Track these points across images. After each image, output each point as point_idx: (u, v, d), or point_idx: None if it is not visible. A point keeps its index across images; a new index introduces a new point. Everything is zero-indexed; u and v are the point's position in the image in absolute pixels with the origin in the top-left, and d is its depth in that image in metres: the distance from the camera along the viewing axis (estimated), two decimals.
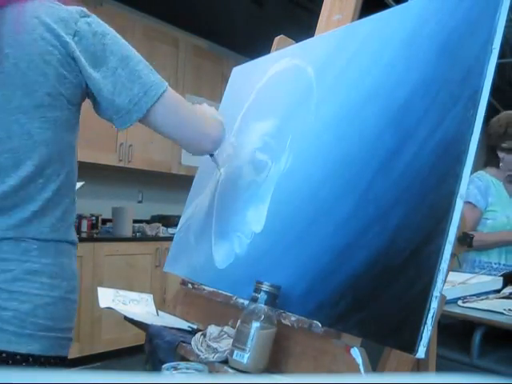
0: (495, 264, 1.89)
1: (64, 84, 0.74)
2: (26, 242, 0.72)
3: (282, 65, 1.18)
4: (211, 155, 1.10)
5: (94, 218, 3.54)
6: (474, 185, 1.96)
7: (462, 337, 1.18)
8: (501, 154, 1.92)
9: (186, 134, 0.87)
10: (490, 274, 1.76)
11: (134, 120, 0.78)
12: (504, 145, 1.89)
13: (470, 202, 1.94)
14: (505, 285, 1.43)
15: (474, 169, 2.09)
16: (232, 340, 0.83)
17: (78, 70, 0.75)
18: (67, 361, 0.79)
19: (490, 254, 1.91)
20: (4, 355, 0.70)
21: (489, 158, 2.03)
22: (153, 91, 0.78)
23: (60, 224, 0.77)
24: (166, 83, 0.84)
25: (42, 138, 0.73)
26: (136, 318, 1.08)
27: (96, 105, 0.80)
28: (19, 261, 0.71)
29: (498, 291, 1.40)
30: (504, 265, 1.88)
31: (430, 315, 0.63)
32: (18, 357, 0.70)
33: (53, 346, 0.74)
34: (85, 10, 0.79)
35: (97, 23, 0.78)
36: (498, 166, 1.94)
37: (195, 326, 1.06)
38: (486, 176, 1.97)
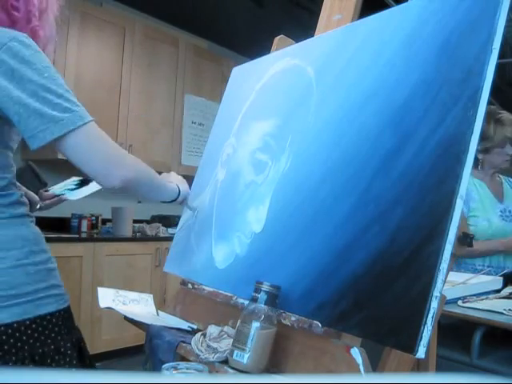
0: (479, 266, 1.88)
1: None
2: None
3: (282, 65, 1.18)
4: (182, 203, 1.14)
5: (93, 218, 3.54)
6: None
7: (461, 337, 1.18)
8: (480, 156, 1.92)
9: (92, 165, 0.85)
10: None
11: (35, 147, 0.80)
12: (479, 147, 1.89)
13: None
14: (505, 285, 1.43)
15: None
16: (232, 340, 0.83)
17: None
18: (59, 313, 0.87)
19: (484, 257, 1.90)
20: None
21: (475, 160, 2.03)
22: (68, 122, 0.81)
23: None
24: (87, 118, 0.84)
25: None
26: (136, 318, 1.08)
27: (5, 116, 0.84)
28: None
29: (498, 291, 1.40)
30: (488, 266, 1.88)
31: (430, 315, 0.63)
32: None
33: (25, 310, 0.81)
34: (19, 36, 0.81)
35: (24, 51, 0.80)
36: (480, 167, 1.94)
37: (195, 326, 1.06)
38: (469, 179, 1.96)
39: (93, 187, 1.21)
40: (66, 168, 1.27)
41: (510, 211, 1.92)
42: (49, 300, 0.85)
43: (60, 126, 0.80)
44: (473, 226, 1.86)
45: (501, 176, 2.02)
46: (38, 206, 1.10)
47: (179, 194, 1.08)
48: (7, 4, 0.86)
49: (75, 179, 1.29)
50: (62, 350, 0.85)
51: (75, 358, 0.87)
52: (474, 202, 1.88)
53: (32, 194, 1.08)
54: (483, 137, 1.86)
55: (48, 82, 0.80)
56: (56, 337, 0.85)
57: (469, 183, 1.96)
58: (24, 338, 0.80)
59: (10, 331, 0.79)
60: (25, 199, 0.91)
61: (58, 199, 1.18)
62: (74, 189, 1.22)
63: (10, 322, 0.79)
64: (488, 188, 1.94)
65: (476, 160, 1.93)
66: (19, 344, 0.80)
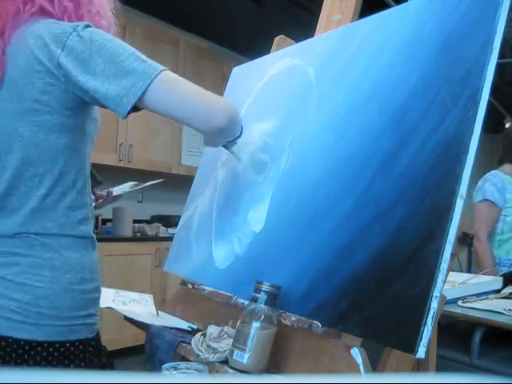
0: None
1: (51, 91, 0.81)
2: (30, 238, 0.81)
3: (282, 65, 1.18)
4: (226, 147, 1.03)
5: (93, 218, 3.53)
6: (490, 182, 1.97)
7: (462, 337, 1.18)
8: None
9: (190, 110, 0.84)
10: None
11: (130, 105, 0.80)
12: None
13: (488, 200, 1.94)
14: (505, 285, 1.43)
15: (483, 168, 2.11)
16: (232, 340, 0.83)
17: (65, 79, 0.81)
18: (87, 341, 0.86)
19: (509, 251, 1.92)
20: (10, 340, 0.79)
21: (504, 156, 2.04)
22: (141, 79, 0.80)
23: (64, 220, 0.84)
24: (161, 68, 0.83)
25: (32, 141, 0.82)
26: (136, 318, 1.08)
27: (98, 102, 0.85)
28: (25, 255, 0.80)
29: (498, 291, 1.40)
30: None
31: (430, 315, 0.63)
32: (22, 342, 0.78)
33: (60, 333, 0.81)
34: (82, 24, 0.83)
35: (88, 34, 0.82)
36: None
37: (195, 326, 1.06)
38: (501, 174, 1.98)
39: (147, 184, 1.24)
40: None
41: None
42: (83, 327, 0.86)
43: (137, 85, 0.79)
44: (510, 217, 1.88)
45: None
46: (93, 205, 1.10)
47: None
48: None
49: (130, 183, 1.31)
50: None
51: None
52: (510, 194, 1.91)
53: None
54: None
55: (114, 49, 0.82)
56: (80, 363, 0.84)
57: (502, 177, 2.00)
58: (50, 358, 0.81)
59: (39, 349, 0.80)
60: (92, 223, 0.91)
61: (111, 197, 1.19)
62: (127, 191, 1.26)
63: (41, 340, 0.80)
64: None
65: (509, 155, 1.96)
66: (43, 363, 0.80)
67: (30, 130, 0.81)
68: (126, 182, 1.32)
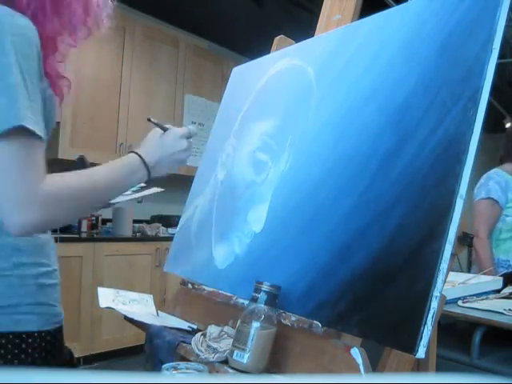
0: None
1: None
2: None
3: (282, 65, 1.18)
4: (149, 120, 0.93)
5: (93, 218, 3.54)
6: (494, 180, 1.96)
7: (462, 337, 1.18)
8: None
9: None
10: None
11: None
12: None
13: (491, 198, 1.94)
14: (505, 285, 1.43)
15: (482, 168, 2.11)
16: (232, 340, 0.83)
17: None
18: (38, 334, 0.78)
19: (507, 251, 1.91)
20: None
21: (505, 155, 2.04)
22: None
23: None
24: (14, 123, 0.65)
25: None
26: (136, 318, 1.08)
27: None
28: None
29: (498, 291, 1.40)
30: None
31: (430, 315, 0.63)
32: None
33: (0, 323, 0.75)
34: (8, 16, 0.69)
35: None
36: None
37: (195, 326, 1.06)
38: (503, 173, 1.98)
39: (152, 190, 1.16)
40: None
41: None
42: (31, 318, 0.78)
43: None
44: (510, 217, 1.88)
45: None
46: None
47: (149, 173, 0.87)
48: None
49: (133, 188, 1.17)
50: None
51: None
52: None
53: None
54: None
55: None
56: (26, 358, 0.76)
57: (504, 176, 1.99)
58: None
59: None
60: None
61: (111, 205, 1.09)
62: (129, 194, 1.13)
63: None
64: None
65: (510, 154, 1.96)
66: None
67: None
68: None
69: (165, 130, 0.98)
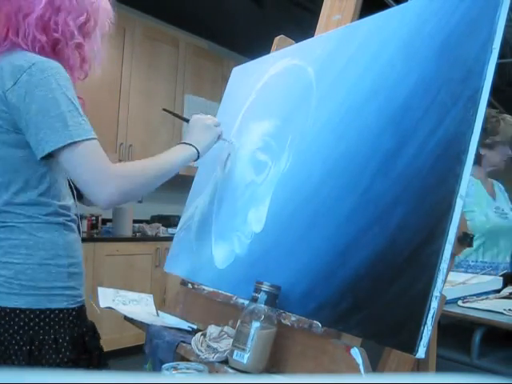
0: (472, 262, 1.89)
1: (3, 116, 0.93)
2: (8, 226, 0.96)
3: (282, 65, 1.18)
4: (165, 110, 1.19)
5: (94, 218, 3.54)
6: None
7: (461, 337, 1.18)
8: (483, 151, 1.93)
9: (82, 185, 0.94)
10: (467, 272, 1.76)
11: (39, 157, 0.92)
12: (487, 141, 1.90)
13: None
14: (505, 285, 1.43)
15: None
16: (232, 340, 0.83)
17: (10, 108, 0.92)
18: (67, 310, 0.97)
19: (465, 252, 1.90)
20: None
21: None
22: (57, 140, 0.90)
23: (34, 211, 0.97)
24: (78, 138, 0.91)
25: None
26: (136, 318, 1.08)
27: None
28: (6, 239, 0.95)
29: (498, 291, 1.40)
30: (481, 261, 1.89)
31: (430, 315, 0.63)
32: (8, 309, 0.92)
33: (39, 301, 0.94)
34: (39, 62, 0.91)
35: (38, 75, 0.90)
36: (479, 164, 1.95)
37: (195, 326, 1.06)
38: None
39: None
40: None
41: (502, 209, 1.94)
42: (62, 298, 0.97)
43: (56, 139, 0.90)
44: (470, 221, 1.86)
45: (490, 179, 2.04)
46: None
47: (199, 153, 1.11)
48: (43, 27, 0.96)
49: None
50: (60, 340, 0.95)
51: (69, 351, 0.96)
52: (471, 197, 1.89)
53: None
54: (492, 132, 1.88)
55: (50, 103, 0.90)
56: (59, 329, 0.95)
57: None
58: (31, 324, 0.93)
59: (22, 316, 0.92)
60: (63, 211, 1.01)
61: None
62: None
63: (24, 307, 0.93)
64: (482, 185, 1.95)
65: (477, 156, 1.93)
66: (26, 327, 0.92)
67: None
68: None
69: (185, 120, 1.20)
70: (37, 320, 0.93)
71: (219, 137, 1.17)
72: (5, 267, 0.94)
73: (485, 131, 1.88)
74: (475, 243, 1.90)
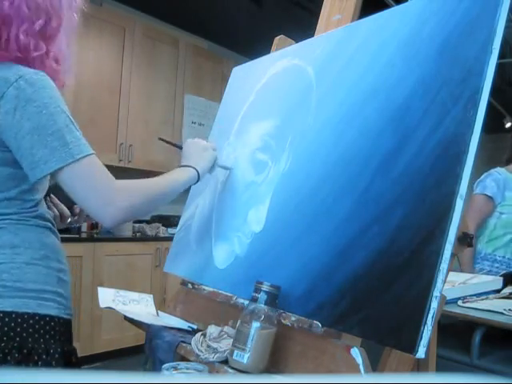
0: (499, 257, 1.90)
1: None
2: None
3: (282, 65, 1.18)
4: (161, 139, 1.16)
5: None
6: (492, 177, 1.98)
7: (461, 337, 1.18)
8: None
9: (87, 203, 0.88)
10: (493, 267, 1.77)
11: (41, 175, 0.85)
12: None
13: (485, 194, 1.95)
14: (505, 285, 1.43)
15: (482, 168, 2.11)
16: (232, 340, 0.83)
17: None
18: (59, 320, 0.89)
19: (497, 248, 1.91)
20: None
21: (511, 155, 2.04)
22: (55, 160, 0.84)
23: (18, 216, 0.90)
24: (79, 155, 0.86)
25: None
26: (136, 318, 1.08)
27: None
28: None
29: (498, 291, 1.40)
30: (509, 258, 1.89)
31: (430, 315, 0.63)
32: None
33: (26, 304, 0.85)
34: (27, 75, 0.85)
35: (28, 89, 0.84)
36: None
37: (195, 326, 1.07)
38: (505, 172, 1.99)
39: None
40: None
41: None
42: (52, 304, 0.89)
43: (55, 159, 0.83)
44: (506, 215, 1.88)
45: None
46: (68, 220, 1.12)
47: (199, 175, 1.06)
48: (19, 41, 0.88)
49: None
50: (52, 351, 0.87)
51: (61, 365, 0.88)
52: (511, 192, 1.91)
53: (62, 206, 1.10)
54: None
55: (45, 118, 0.84)
56: (49, 339, 0.87)
57: (506, 175, 1.98)
58: (18, 329, 0.83)
59: (6, 319, 0.83)
60: (50, 217, 0.97)
61: (85, 215, 1.18)
62: None
63: (9, 310, 0.83)
64: None
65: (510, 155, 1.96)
66: (11, 334, 0.83)
67: None
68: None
69: (178, 147, 1.16)
70: (25, 325, 0.84)
71: (215, 162, 1.13)
72: None
73: None
74: (506, 238, 1.92)
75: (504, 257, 1.90)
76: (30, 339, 0.84)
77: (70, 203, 1.09)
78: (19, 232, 0.89)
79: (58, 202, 1.08)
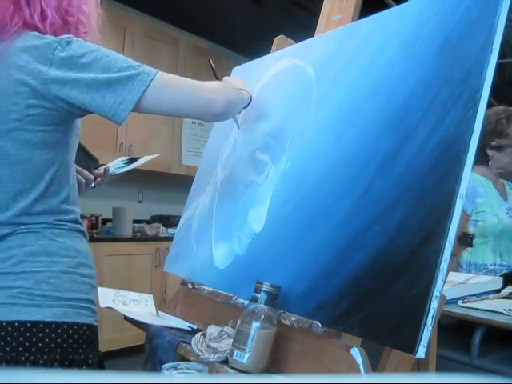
0: (491, 265, 1.88)
1: (34, 112, 0.82)
2: (23, 231, 0.85)
3: (282, 65, 1.18)
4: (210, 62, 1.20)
5: (93, 218, 3.53)
6: None
7: (461, 337, 1.18)
8: (490, 152, 1.90)
9: (186, 107, 0.91)
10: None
11: (127, 112, 0.85)
12: (493, 143, 1.88)
13: None
14: (505, 285, 1.43)
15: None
16: (232, 340, 0.83)
17: (53, 96, 0.83)
18: (93, 328, 0.88)
19: (484, 255, 1.89)
20: (16, 324, 0.80)
21: (478, 156, 2.01)
22: (136, 85, 0.84)
23: (55, 217, 0.88)
24: (153, 71, 0.89)
25: (17, 158, 0.84)
26: (136, 318, 1.08)
27: (89, 113, 0.88)
28: (19, 246, 0.84)
29: (498, 291, 1.40)
30: (500, 264, 1.88)
31: (430, 315, 0.63)
32: (29, 324, 0.79)
33: (66, 314, 0.83)
34: (65, 37, 0.84)
35: (75, 48, 0.84)
36: (487, 165, 1.93)
37: (195, 326, 1.06)
38: (475, 176, 1.95)
39: (141, 161, 1.25)
40: None
41: None
42: (87, 312, 0.88)
43: (133, 91, 0.84)
44: (481, 222, 1.85)
45: (501, 180, 2.03)
46: (92, 184, 1.12)
47: (251, 98, 1.09)
48: (61, 9, 0.89)
49: (123, 158, 1.32)
50: (90, 361, 0.86)
51: None
52: (482, 198, 1.87)
53: (86, 172, 1.09)
54: (500, 133, 1.86)
55: (105, 61, 0.84)
56: (86, 348, 0.85)
57: (474, 179, 1.92)
58: (59, 340, 0.81)
59: (47, 330, 0.81)
60: (81, 220, 0.95)
61: (108, 175, 1.18)
62: (123, 167, 1.26)
63: (49, 320, 0.81)
64: (493, 186, 1.93)
65: (485, 157, 1.92)
66: (53, 345, 0.80)
67: (14, 147, 0.84)
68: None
69: (217, 77, 1.22)
70: (65, 336, 0.81)
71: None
72: (20, 277, 0.82)
73: (493, 132, 1.86)
74: (489, 245, 1.89)
75: (495, 264, 1.89)
76: (69, 350, 0.82)
77: (88, 166, 1.11)
78: (55, 237, 0.86)
79: (81, 168, 1.07)
